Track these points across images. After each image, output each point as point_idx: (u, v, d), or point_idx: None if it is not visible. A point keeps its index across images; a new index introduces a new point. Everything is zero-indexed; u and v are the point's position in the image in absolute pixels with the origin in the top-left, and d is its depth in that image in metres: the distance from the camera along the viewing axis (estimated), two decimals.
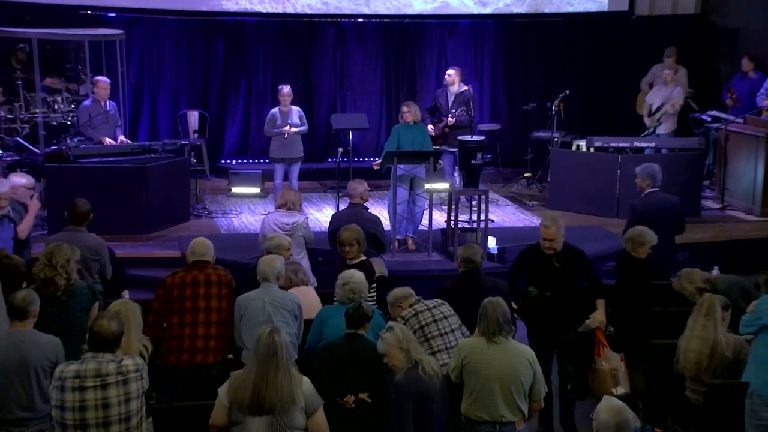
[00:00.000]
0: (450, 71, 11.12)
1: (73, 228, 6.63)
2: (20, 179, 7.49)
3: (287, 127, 10.60)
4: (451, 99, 10.90)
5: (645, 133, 11.49)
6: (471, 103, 10.87)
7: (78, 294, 5.64)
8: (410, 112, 9.60)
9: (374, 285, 6.84)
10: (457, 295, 6.02)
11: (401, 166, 9.16)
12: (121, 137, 10.47)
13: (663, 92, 11.53)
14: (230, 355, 5.94)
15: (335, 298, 5.89)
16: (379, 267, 7.44)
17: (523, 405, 4.97)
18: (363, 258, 6.80)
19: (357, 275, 5.83)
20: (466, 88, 11.01)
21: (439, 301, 5.78)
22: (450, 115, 10.70)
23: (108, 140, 10.17)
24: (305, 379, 4.56)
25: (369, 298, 6.10)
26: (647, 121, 11.60)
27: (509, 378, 4.92)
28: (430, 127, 10.89)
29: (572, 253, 6.49)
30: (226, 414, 4.43)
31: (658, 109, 11.43)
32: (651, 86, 12.24)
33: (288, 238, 6.92)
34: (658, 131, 11.45)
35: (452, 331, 5.61)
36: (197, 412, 4.84)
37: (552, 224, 6.39)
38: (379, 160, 9.59)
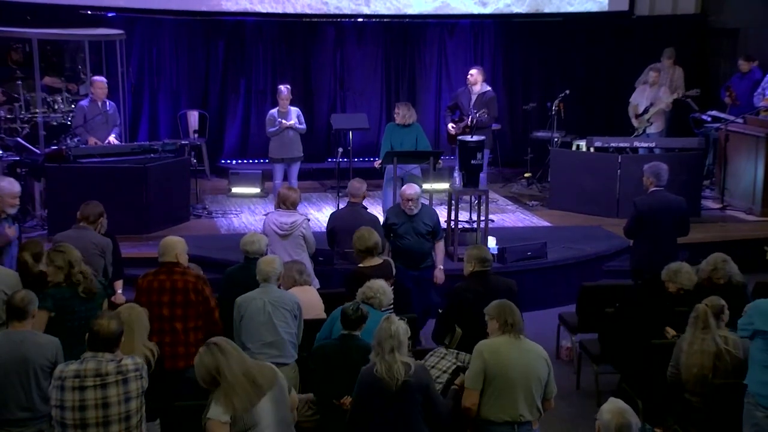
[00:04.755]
0: (472, 71, 10.94)
1: (81, 226, 6.69)
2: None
3: (284, 121, 10.60)
4: (473, 99, 10.78)
5: (635, 133, 11.49)
6: (493, 104, 10.82)
7: (97, 292, 5.67)
8: (399, 113, 9.67)
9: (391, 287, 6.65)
10: (471, 295, 5.95)
11: (400, 165, 9.15)
12: (111, 138, 10.31)
13: (649, 93, 11.53)
14: None
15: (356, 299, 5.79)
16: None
17: (540, 404, 4.94)
18: (380, 260, 6.70)
19: (378, 281, 5.81)
20: (488, 88, 10.95)
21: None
22: (471, 116, 10.62)
23: (93, 140, 10.09)
24: None
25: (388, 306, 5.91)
26: (635, 122, 11.60)
27: (530, 376, 4.88)
28: (451, 125, 10.87)
29: None
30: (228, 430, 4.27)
31: (646, 110, 11.44)
32: None
33: (265, 240, 6.80)
34: (648, 131, 11.45)
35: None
36: (198, 411, 4.80)
37: None
38: (380, 160, 9.60)
